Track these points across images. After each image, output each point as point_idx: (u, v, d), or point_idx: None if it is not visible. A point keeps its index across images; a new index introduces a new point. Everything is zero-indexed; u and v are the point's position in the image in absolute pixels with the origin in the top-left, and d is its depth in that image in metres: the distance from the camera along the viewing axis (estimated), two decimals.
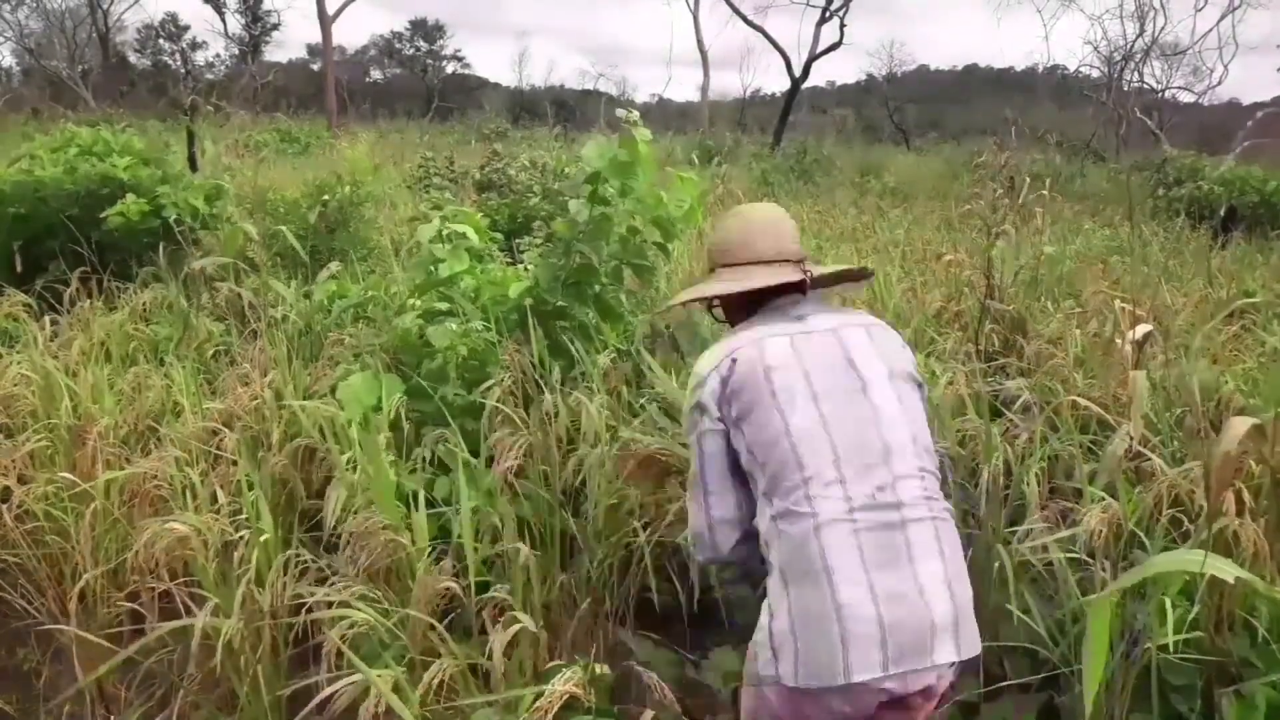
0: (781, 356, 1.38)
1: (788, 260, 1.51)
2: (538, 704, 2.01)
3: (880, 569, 1.28)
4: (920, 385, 1.47)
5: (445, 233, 2.85)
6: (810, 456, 1.32)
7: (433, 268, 2.84)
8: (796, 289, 1.50)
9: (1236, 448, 1.49)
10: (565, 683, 2.06)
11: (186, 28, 38.53)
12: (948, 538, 1.35)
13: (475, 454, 2.55)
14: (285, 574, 2.01)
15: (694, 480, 1.46)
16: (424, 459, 2.43)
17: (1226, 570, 1.23)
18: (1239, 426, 1.37)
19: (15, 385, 2.86)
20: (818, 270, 1.51)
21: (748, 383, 1.38)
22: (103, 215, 4.44)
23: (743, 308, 1.54)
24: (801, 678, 1.27)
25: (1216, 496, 1.63)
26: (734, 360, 1.40)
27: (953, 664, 1.31)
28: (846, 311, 1.55)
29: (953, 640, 1.29)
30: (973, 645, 1.33)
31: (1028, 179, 4.99)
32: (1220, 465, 1.49)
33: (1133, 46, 21.27)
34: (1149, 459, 2.23)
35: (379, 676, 1.63)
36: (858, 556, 1.28)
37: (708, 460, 1.43)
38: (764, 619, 1.34)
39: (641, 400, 2.75)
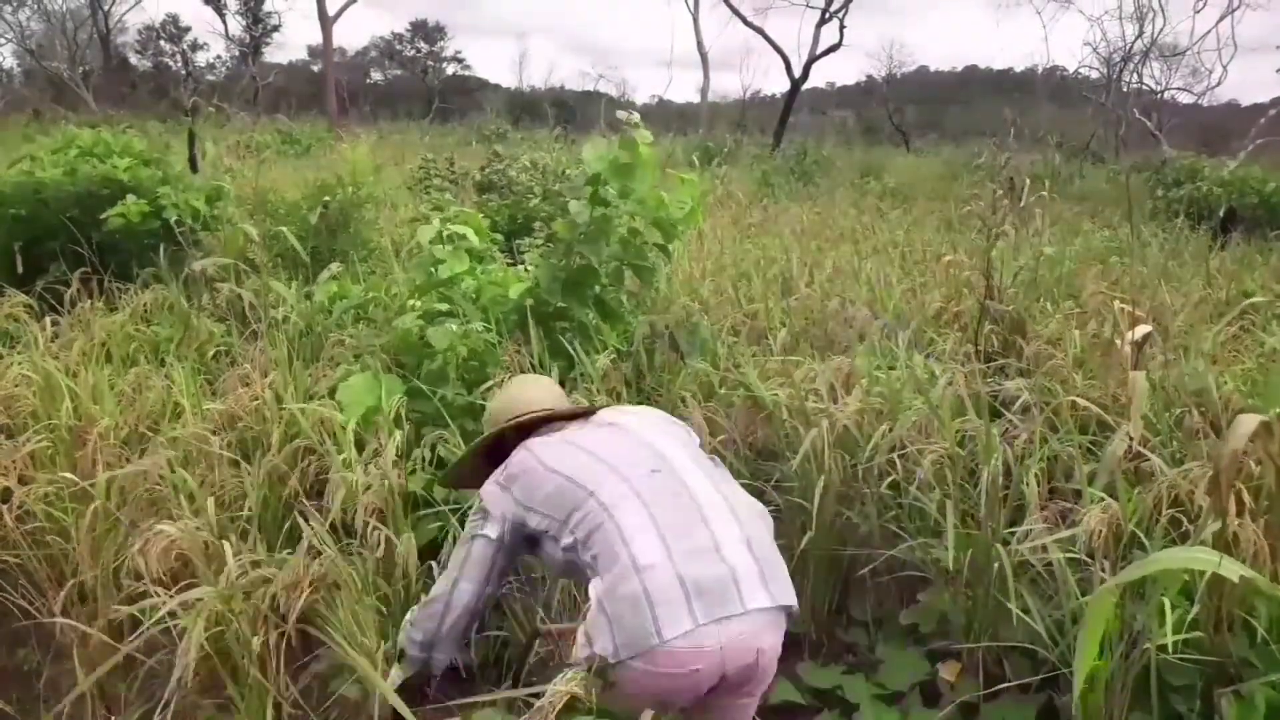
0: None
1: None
2: (538, 704, 2.01)
3: (676, 535, 1.35)
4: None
5: (445, 234, 2.86)
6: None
7: (433, 269, 2.84)
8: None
9: (1240, 447, 1.49)
10: (566, 683, 2.06)
11: (187, 29, 38.58)
12: (741, 509, 1.45)
13: None
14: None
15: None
16: (423, 459, 2.44)
17: (1231, 569, 1.23)
18: (1247, 424, 1.37)
19: (16, 386, 2.86)
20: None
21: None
22: (103, 216, 4.44)
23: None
24: (622, 650, 1.31)
25: (1225, 495, 1.62)
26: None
27: (766, 609, 1.33)
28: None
29: (763, 588, 1.34)
30: (785, 595, 1.38)
31: (1027, 180, 5.00)
32: (1228, 463, 1.49)
33: (1131, 48, 21.29)
34: (1148, 459, 2.23)
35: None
36: (653, 528, 1.35)
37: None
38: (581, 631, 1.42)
39: (640, 399, 2.75)
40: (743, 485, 2.60)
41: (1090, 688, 1.85)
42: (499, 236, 3.92)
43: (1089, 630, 1.21)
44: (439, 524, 2.37)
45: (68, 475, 2.31)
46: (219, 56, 40.52)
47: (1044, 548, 1.97)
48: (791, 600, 1.40)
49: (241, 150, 11.52)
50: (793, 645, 2.49)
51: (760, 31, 22.48)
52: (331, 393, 2.63)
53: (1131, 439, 1.97)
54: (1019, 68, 40.46)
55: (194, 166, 5.93)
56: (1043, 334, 3.53)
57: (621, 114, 2.87)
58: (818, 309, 4.03)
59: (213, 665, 1.95)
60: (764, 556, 1.38)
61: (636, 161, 2.84)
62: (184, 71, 34.54)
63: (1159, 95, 22.99)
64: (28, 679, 2.30)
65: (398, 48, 47.47)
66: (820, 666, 2.35)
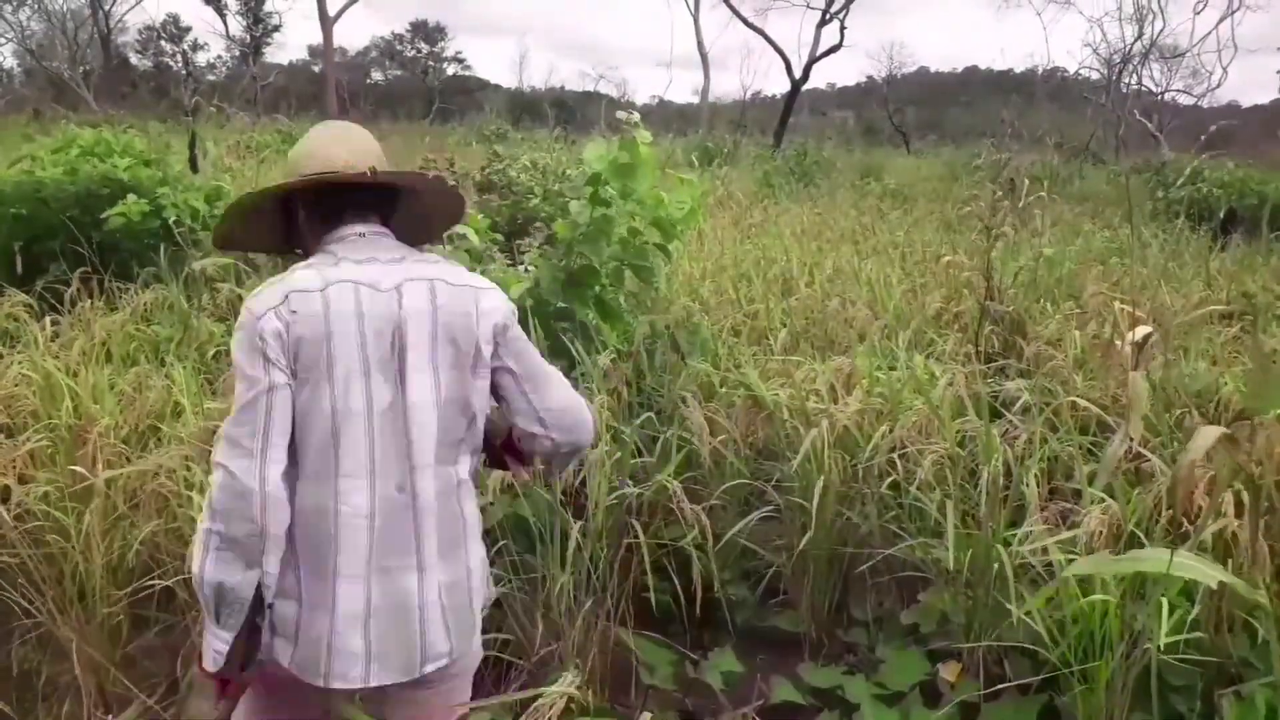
0: (343, 319, 1.23)
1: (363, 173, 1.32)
2: (537, 705, 2.01)
3: (382, 577, 1.25)
4: (482, 359, 1.31)
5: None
6: (348, 446, 1.23)
7: None
8: (376, 217, 1.35)
9: (1197, 459, 1.48)
10: (566, 684, 2.06)
11: (188, 29, 38.62)
12: (459, 535, 1.32)
13: None
14: None
15: (244, 434, 1.19)
16: None
17: (1214, 575, 1.23)
18: (1206, 436, 1.36)
19: (16, 385, 2.86)
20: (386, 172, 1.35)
21: (307, 342, 1.21)
22: (103, 216, 4.44)
23: (316, 234, 1.35)
24: (295, 663, 1.25)
25: (1182, 504, 1.62)
26: (294, 310, 1.22)
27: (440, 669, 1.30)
28: (421, 258, 1.34)
29: (448, 654, 1.31)
30: (466, 632, 1.34)
31: (1027, 181, 5.00)
32: (1185, 474, 1.49)
33: (1131, 49, 21.31)
34: (1148, 460, 2.23)
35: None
36: (364, 562, 1.24)
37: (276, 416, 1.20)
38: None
39: (641, 399, 2.75)
40: (742, 485, 2.66)
41: (1090, 688, 1.85)
42: (499, 236, 3.92)
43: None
44: None
45: (75, 468, 2.30)
46: (219, 56, 40.56)
47: (1044, 548, 1.97)
48: (468, 654, 1.39)
49: (242, 150, 11.53)
50: (793, 645, 2.50)
51: (760, 32, 22.54)
52: None
53: (1132, 440, 1.97)
54: (1019, 69, 40.54)
55: (194, 166, 5.93)
56: (1043, 335, 3.53)
57: (621, 114, 2.87)
58: (818, 309, 4.03)
59: None
60: (454, 607, 1.32)
61: (636, 161, 2.85)
62: (184, 71, 34.55)
63: (1159, 96, 23.02)
64: (28, 678, 2.30)
65: (398, 48, 47.53)
66: (820, 666, 2.35)
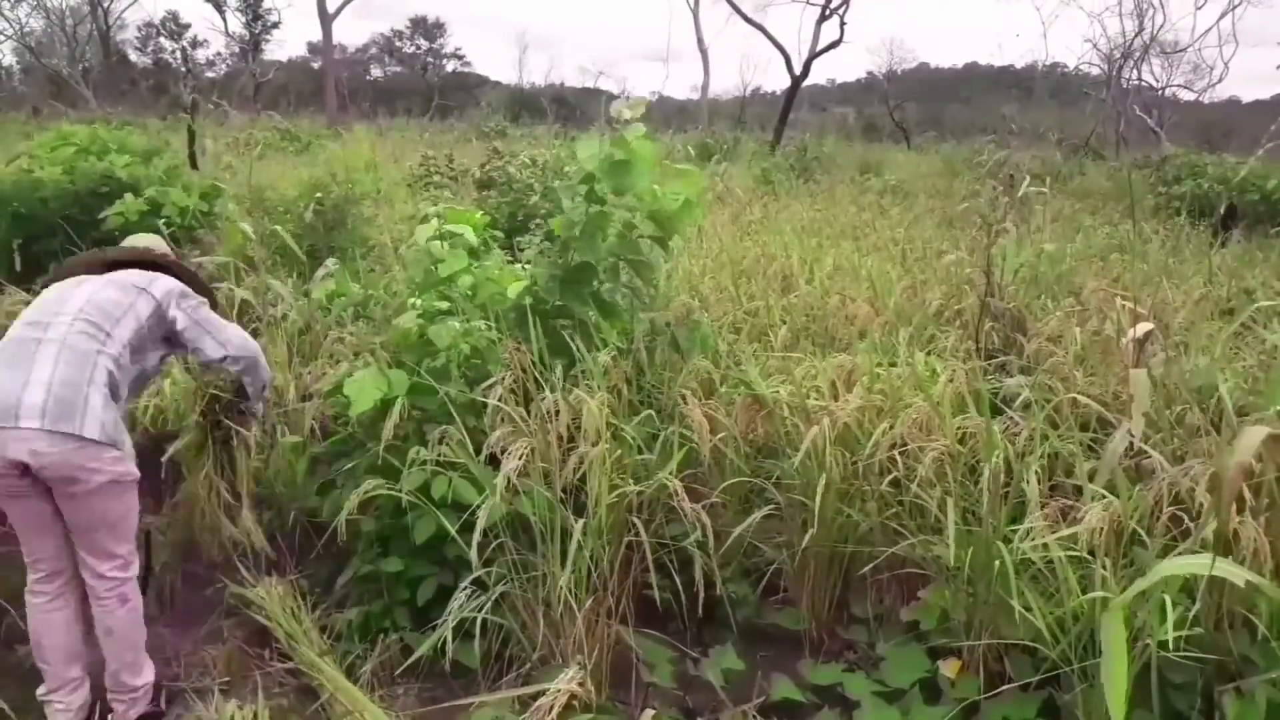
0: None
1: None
2: (539, 703, 2.01)
3: (7, 366, 2.01)
4: (143, 291, 2.23)
5: (443, 232, 2.85)
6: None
7: (432, 267, 2.83)
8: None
9: (1247, 460, 1.47)
10: (567, 681, 2.06)
11: (187, 26, 38.56)
12: (72, 360, 2.02)
13: (475, 451, 2.55)
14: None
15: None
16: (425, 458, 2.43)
17: (1236, 574, 1.22)
18: (1254, 436, 1.35)
19: None
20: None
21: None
22: (101, 216, 4.43)
23: None
24: None
25: (1228, 506, 1.61)
26: None
27: (40, 430, 1.92)
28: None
29: (39, 418, 1.93)
30: (63, 422, 1.94)
31: (1027, 177, 4.98)
32: (1234, 475, 1.47)
33: (1132, 44, 21.24)
34: (1149, 457, 2.23)
35: None
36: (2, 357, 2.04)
37: None
38: None
39: (641, 397, 2.75)
40: (742, 482, 2.65)
41: (1091, 685, 1.85)
42: (499, 234, 3.91)
43: (1112, 651, 1.20)
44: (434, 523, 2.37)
45: None
46: (219, 53, 40.46)
47: (1045, 545, 1.96)
48: (69, 428, 1.95)
49: (240, 147, 11.51)
50: (793, 643, 2.49)
51: (760, 28, 22.47)
52: (335, 390, 2.62)
53: (1134, 436, 1.97)
54: (1019, 64, 40.43)
55: (194, 163, 5.92)
56: (1043, 331, 3.52)
57: (615, 108, 2.84)
58: (818, 306, 4.02)
59: None
60: (59, 393, 1.97)
61: (630, 158, 2.82)
62: (184, 68, 34.47)
63: (1159, 92, 22.96)
64: (29, 678, 2.30)
65: (397, 44, 47.43)
66: (821, 664, 2.35)
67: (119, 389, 2.11)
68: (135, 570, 2.17)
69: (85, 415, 1.97)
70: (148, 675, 2.21)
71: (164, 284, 2.27)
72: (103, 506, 2.05)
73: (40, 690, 2.16)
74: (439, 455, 2.39)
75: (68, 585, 2.16)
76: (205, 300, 2.37)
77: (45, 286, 2.28)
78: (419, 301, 2.72)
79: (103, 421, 2.00)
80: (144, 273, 2.29)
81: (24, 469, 1.95)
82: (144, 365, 2.27)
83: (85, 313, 2.10)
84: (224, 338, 2.32)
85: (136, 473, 2.13)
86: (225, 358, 2.33)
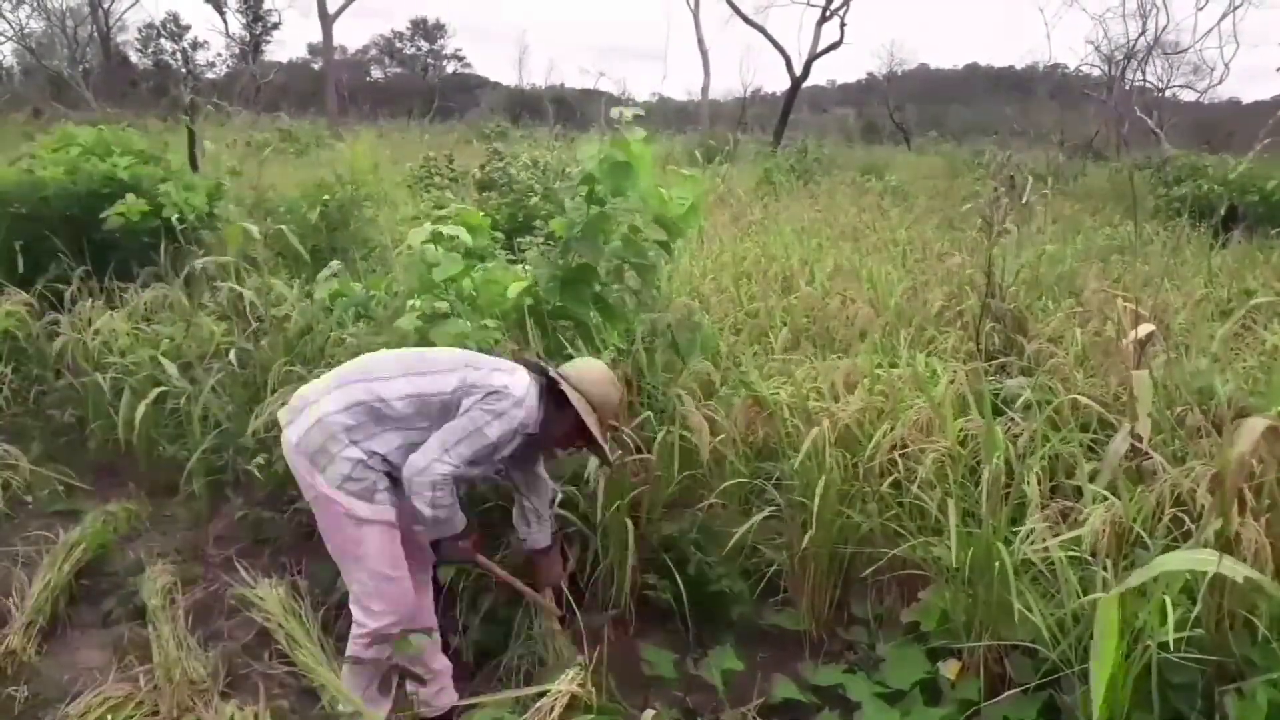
0: None
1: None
2: (539, 703, 2.01)
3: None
4: (465, 382, 2.03)
5: (439, 234, 2.84)
6: None
7: (427, 271, 2.83)
8: None
9: (1250, 445, 1.47)
10: (567, 682, 2.07)
11: (187, 27, 38.58)
12: (335, 377, 2.07)
13: None
14: None
15: None
16: None
17: (1238, 570, 1.22)
18: (1253, 428, 1.35)
19: None
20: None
21: None
22: (103, 216, 4.44)
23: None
24: None
25: (1231, 499, 1.61)
26: None
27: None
28: None
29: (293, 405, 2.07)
30: (287, 414, 2.05)
31: (1028, 178, 4.98)
32: (1235, 468, 1.47)
33: (1134, 45, 21.23)
34: (1150, 458, 2.22)
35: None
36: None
37: None
38: None
39: (641, 398, 2.75)
40: (742, 484, 2.65)
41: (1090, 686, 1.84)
42: (500, 235, 3.91)
43: (1103, 637, 1.20)
44: None
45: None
46: (219, 55, 40.49)
47: (1046, 546, 1.96)
48: (284, 420, 2.05)
49: (240, 148, 11.50)
50: (793, 643, 2.49)
51: (761, 29, 22.45)
52: None
53: (1141, 438, 1.96)
54: (1020, 65, 40.41)
55: (194, 164, 5.93)
56: (1044, 332, 3.52)
57: (616, 111, 2.84)
58: (819, 307, 4.02)
59: None
60: (303, 391, 2.07)
61: (631, 160, 2.83)
62: (184, 69, 34.51)
63: (1160, 93, 22.95)
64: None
65: (398, 46, 47.45)
66: (821, 665, 2.35)
67: (377, 432, 2.01)
68: (372, 626, 1.99)
69: (301, 416, 2.03)
70: None
71: (501, 379, 2.05)
72: (320, 523, 2.04)
73: None
74: None
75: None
76: (513, 425, 2.02)
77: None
78: (418, 303, 2.72)
79: (309, 431, 1.99)
80: (518, 373, 2.13)
81: None
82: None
83: (405, 355, 2.18)
84: (430, 445, 1.98)
85: (364, 513, 1.97)
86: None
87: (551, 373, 2.14)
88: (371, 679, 2.03)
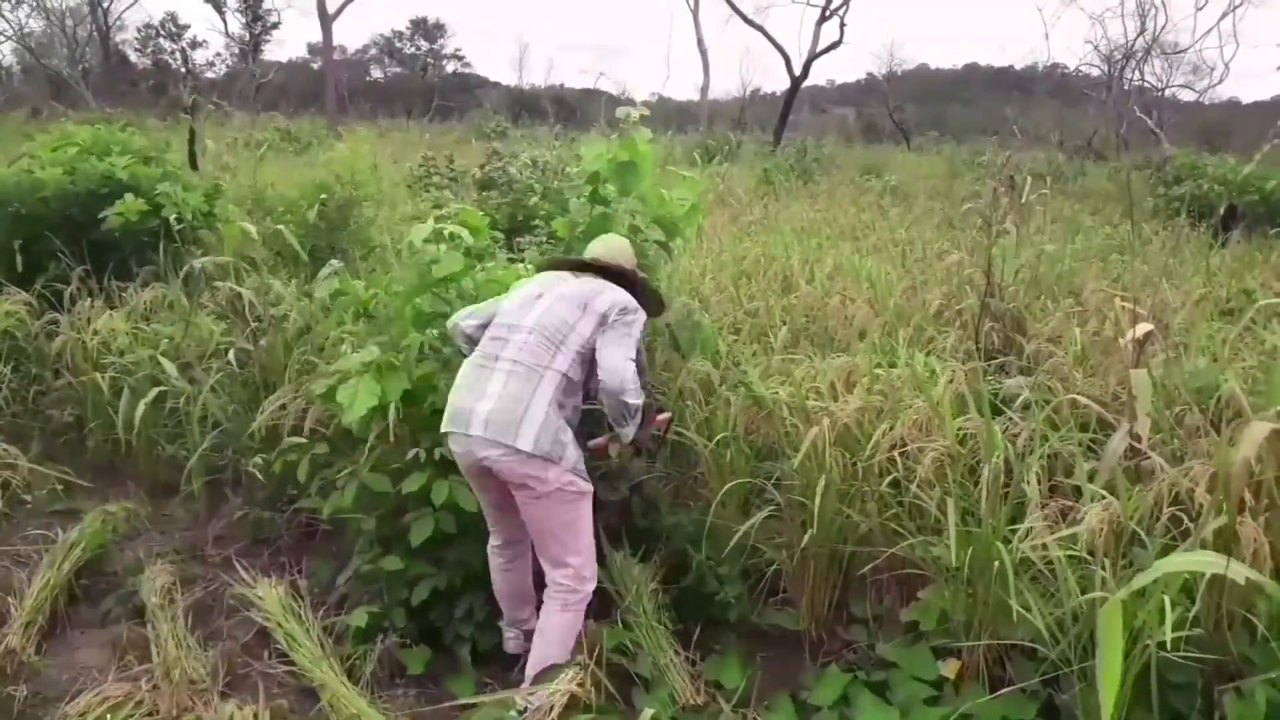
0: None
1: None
2: (539, 704, 2.01)
3: (472, 380, 2.20)
4: (588, 308, 2.23)
5: (440, 233, 2.83)
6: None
7: (427, 269, 2.82)
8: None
9: (1254, 449, 1.47)
10: (567, 682, 2.07)
11: (187, 27, 38.58)
12: (520, 375, 2.14)
13: None
14: None
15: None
16: (419, 458, 2.43)
17: (1237, 571, 1.22)
18: (1258, 431, 1.35)
19: None
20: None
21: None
22: (102, 215, 4.43)
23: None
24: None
25: (1235, 502, 1.61)
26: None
27: (485, 439, 2.09)
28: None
29: (482, 426, 2.10)
30: (503, 434, 2.08)
31: (1028, 177, 4.99)
32: (1239, 470, 1.47)
33: (1133, 45, 21.24)
34: (1149, 457, 2.23)
35: None
36: (464, 374, 2.24)
37: None
38: None
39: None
40: (742, 483, 2.65)
41: (1090, 685, 1.85)
42: (499, 234, 3.90)
43: (1108, 642, 1.20)
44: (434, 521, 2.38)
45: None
46: (218, 54, 40.47)
47: (1045, 545, 1.96)
48: (507, 440, 2.07)
49: (240, 147, 11.50)
50: (793, 643, 2.50)
51: (760, 29, 22.46)
52: (328, 394, 2.61)
53: (1140, 437, 1.96)
54: (1020, 65, 40.40)
55: (194, 164, 5.93)
56: (1043, 331, 3.52)
57: (621, 111, 2.85)
58: (818, 307, 4.02)
59: None
60: (502, 405, 2.11)
61: (636, 160, 2.83)
62: (183, 69, 34.49)
63: (1160, 93, 22.96)
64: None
65: (398, 45, 47.43)
66: (822, 666, 2.35)
67: (566, 403, 2.18)
68: (589, 587, 2.21)
69: (521, 428, 2.08)
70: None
71: (609, 297, 2.26)
72: (545, 514, 2.14)
73: (501, 621, 2.45)
74: (439, 456, 2.40)
75: (521, 554, 2.36)
76: (642, 318, 2.29)
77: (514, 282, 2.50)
78: (420, 303, 2.71)
79: (538, 436, 2.08)
80: (598, 284, 2.32)
81: (488, 469, 2.13)
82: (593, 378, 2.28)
83: (538, 329, 2.20)
84: (611, 355, 2.18)
85: (586, 486, 2.18)
86: (599, 376, 2.20)
87: (601, 263, 2.40)
88: (573, 643, 2.17)
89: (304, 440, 2.74)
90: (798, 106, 23.92)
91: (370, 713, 2.13)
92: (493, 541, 2.37)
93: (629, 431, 2.25)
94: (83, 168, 4.70)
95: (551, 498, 2.11)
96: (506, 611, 2.43)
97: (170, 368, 3.41)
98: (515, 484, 2.12)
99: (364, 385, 2.44)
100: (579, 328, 2.21)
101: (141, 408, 3.26)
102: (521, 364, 2.15)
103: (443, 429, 2.20)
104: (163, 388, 3.36)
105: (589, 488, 2.19)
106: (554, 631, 2.17)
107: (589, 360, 2.21)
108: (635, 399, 2.18)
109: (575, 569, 2.18)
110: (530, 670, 2.17)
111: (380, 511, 2.52)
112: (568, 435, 2.15)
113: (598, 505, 2.29)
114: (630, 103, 2.93)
